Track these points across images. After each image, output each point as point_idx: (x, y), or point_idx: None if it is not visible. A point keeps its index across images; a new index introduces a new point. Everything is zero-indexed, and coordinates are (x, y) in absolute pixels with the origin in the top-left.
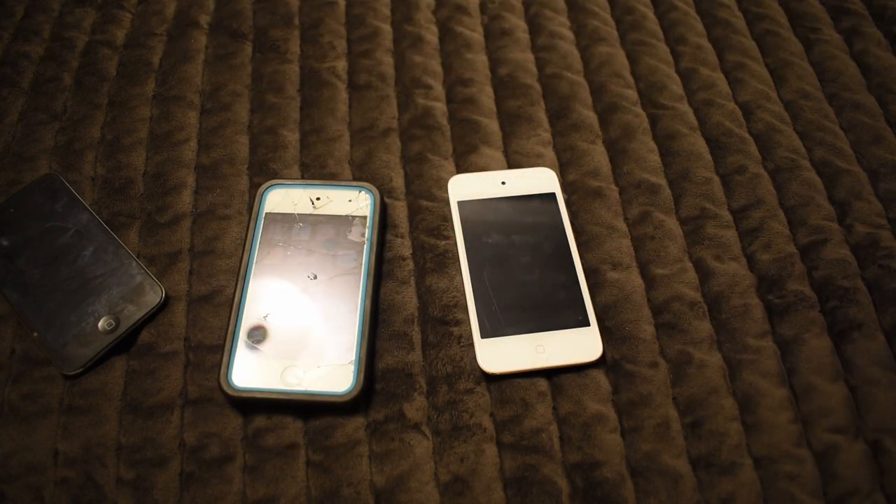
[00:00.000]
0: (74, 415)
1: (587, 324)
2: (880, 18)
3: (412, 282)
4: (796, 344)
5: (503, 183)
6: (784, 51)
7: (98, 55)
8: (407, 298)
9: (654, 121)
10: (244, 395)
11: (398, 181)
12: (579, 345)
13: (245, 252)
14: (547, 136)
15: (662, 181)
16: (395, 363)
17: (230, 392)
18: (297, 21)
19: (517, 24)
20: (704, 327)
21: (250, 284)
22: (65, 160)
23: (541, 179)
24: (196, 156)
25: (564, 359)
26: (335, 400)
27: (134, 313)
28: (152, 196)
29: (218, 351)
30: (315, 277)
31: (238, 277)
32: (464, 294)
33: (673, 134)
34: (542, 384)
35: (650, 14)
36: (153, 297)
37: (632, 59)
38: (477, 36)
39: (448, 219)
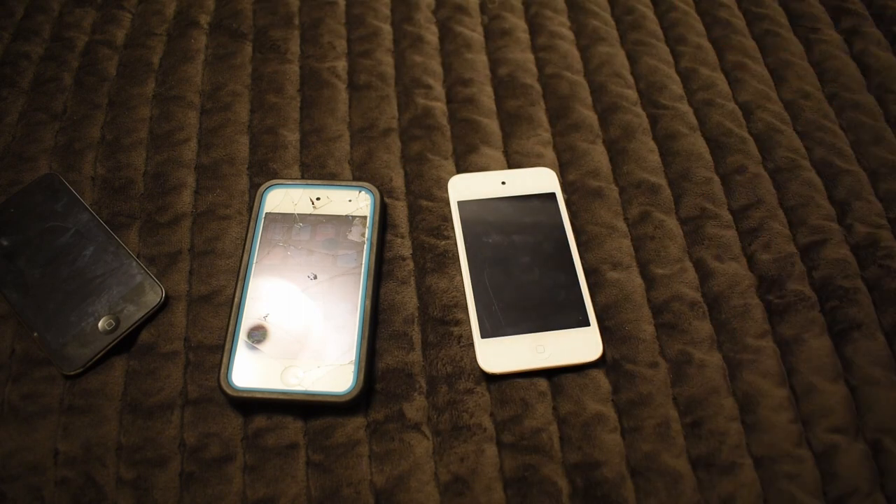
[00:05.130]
0: (74, 415)
1: (587, 324)
2: (880, 18)
3: (412, 282)
4: (796, 344)
5: (503, 183)
6: (784, 51)
7: (98, 55)
8: (407, 298)
9: (654, 121)
10: (244, 395)
11: (398, 181)
12: (579, 345)
13: (245, 252)
14: (547, 136)
15: (662, 181)
16: (395, 363)
17: (230, 392)
18: (297, 21)
19: (517, 24)
20: (704, 327)
21: (250, 284)
22: (65, 160)
23: (541, 179)
24: (196, 156)
25: (564, 359)
26: (335, 400)
27: (134, 313)
28: (152, 196)
29: (218, 351)
30: (315, 277)
31: (238, 277)
32: (464, 294)
33: (673, 134)
34: (542, 384)
35: (650, 14)
36: (153, 297)
37: (632, 59)
38: (477, 36)
39: (448, 219)
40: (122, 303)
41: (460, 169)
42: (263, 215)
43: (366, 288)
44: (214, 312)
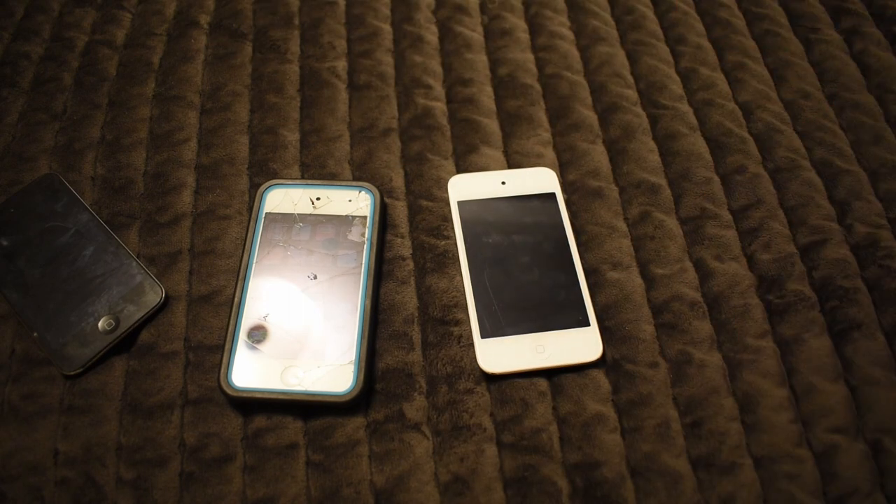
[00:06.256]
0: (74, 415)
1: (587, 324)
2: (880, 18)
3: (412, 282)
4: (796, 344)
5: (503, 183)
6: (784, 51)
7: (98, 55)
8: (407, 298)
9: (654, 121)
10: (244, 395)
11: (398, 181)
12: (579, 345)
13: (245, 252)
14: (547, 136)
15: (662, 181)
16: (395, 363)
17: (230, 392)
18: (297, 21)
19: (517, 24)
20: (704, 327)
21: (250, 284)
22: (65, 160)
23: (541, 179)
24: (196, 156)
25: (564, 359)
26: (335, 400)
27: (134, 313)
28: (152, 196)
29: (218, 351)
30: (315, 277)
31: (238, 277)
32: (464, 294)
33: (673, 134)
34: (542, 384)
35: (650, 14)
36: (153, 297)
37: (632, 59)
38: (477, 36)
39: (448, 219)
40: (122, 303)
41: (460, 169)
42: (263, 215)
43: (366, 288)
44: (214, 312)
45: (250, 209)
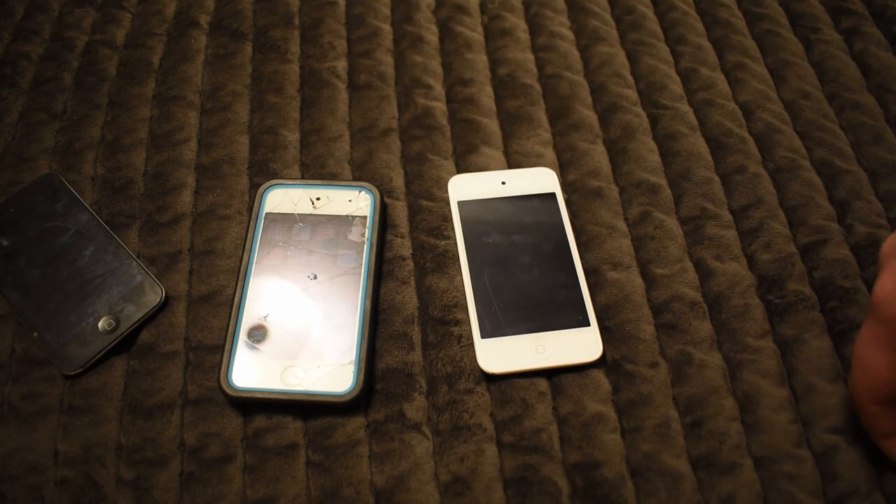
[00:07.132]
0: (74, 415)
1: (587, 324)
2: (880, 18)
3: (412, 282)
4: (796, 344)
5: (503, 183)
6: (784, 51)
7: (98, 55)
8: (407, 298)
9: (654, 121)
10: (244, 395)
11: (398, 181)
12: (579, 345)
13: (245, 252)
14: (547, 136)
15: (662, 181)
16: (395, 363)
17: (230, 392)
18: (297, 21)
19: (517, 24)
20: (704, 327)
21: (250, 284)
22: (65, 160)
23: (541, 179)
24: (196, 156)
25: (564, 359)
26: (335, 400)
27: (134, 313)
28: (152, 196)
29: (218, 351)
30: (315, 277)
31: (238, 277)
32: (464, 294)
33: (673, 134)
34: (542, 384)
35: (650, 14)
36: (153, 297)
37: (632, 59)
38: (477, 36)
39: (448, 219)
40: (122, 303)
41: (460, 169)
42: (263, 215)
43: (366, 288)
44: (214, 312)
45: (250, 209)
